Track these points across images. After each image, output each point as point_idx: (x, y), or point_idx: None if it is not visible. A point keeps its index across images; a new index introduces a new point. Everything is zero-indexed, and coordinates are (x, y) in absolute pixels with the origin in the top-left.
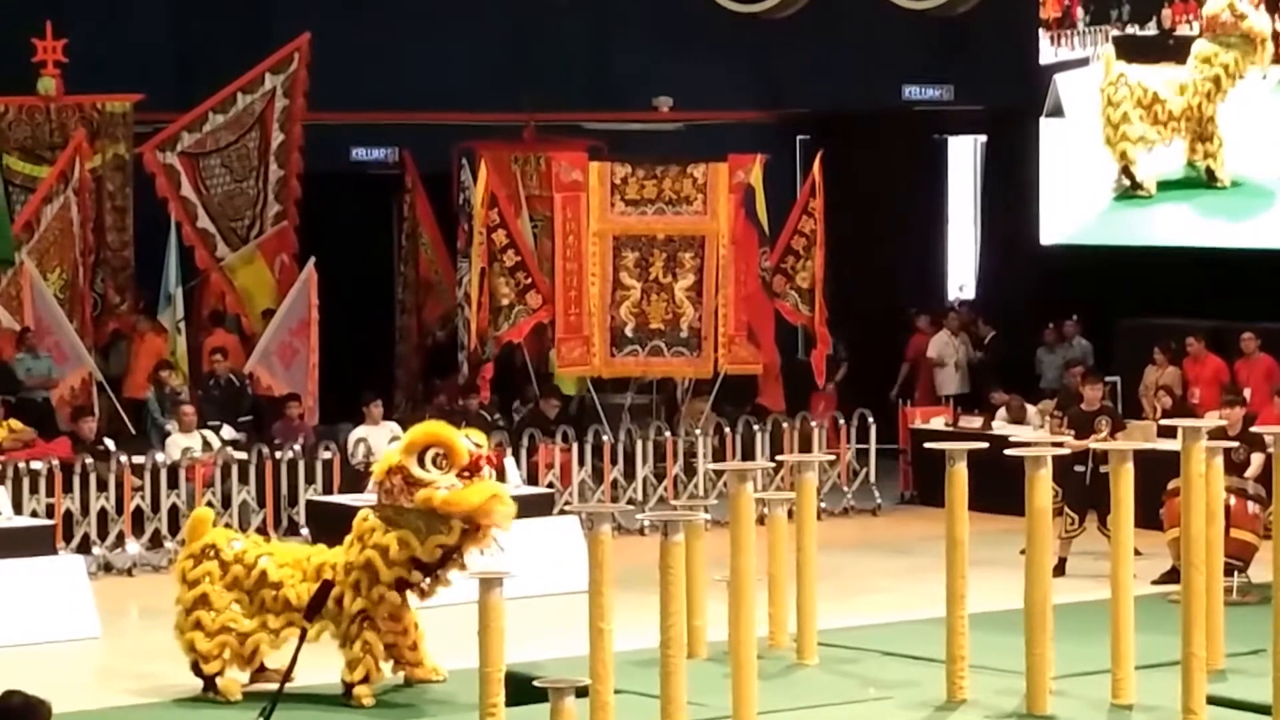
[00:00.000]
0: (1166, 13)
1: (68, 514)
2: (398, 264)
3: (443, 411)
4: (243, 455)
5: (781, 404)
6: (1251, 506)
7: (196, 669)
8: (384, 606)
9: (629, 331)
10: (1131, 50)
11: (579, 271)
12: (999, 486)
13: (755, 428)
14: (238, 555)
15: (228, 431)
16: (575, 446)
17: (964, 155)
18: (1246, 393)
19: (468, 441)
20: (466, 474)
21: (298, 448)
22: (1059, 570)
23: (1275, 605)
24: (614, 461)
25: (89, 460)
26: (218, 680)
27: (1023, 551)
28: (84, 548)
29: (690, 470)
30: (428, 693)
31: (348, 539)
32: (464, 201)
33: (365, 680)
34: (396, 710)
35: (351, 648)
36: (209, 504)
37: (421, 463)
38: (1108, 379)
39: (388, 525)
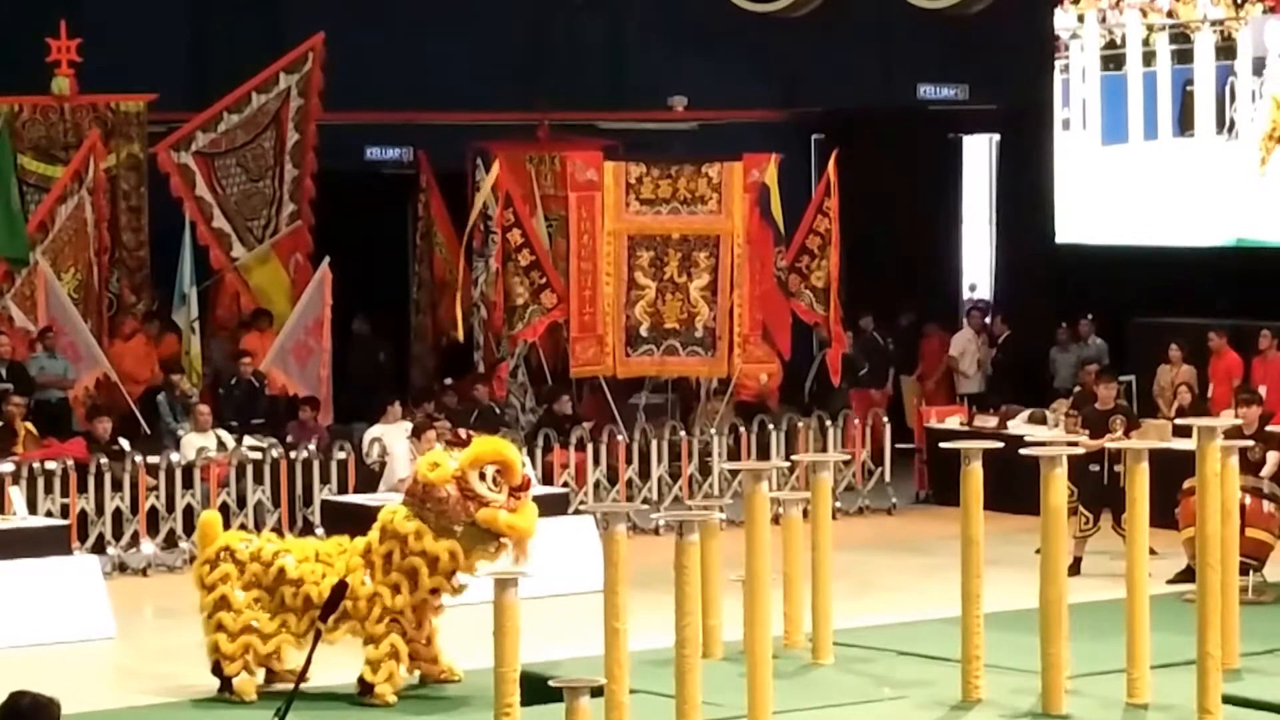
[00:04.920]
0: None
1: (83, 514)
2: (412, 264)
3: (453, 410)
4: (258, 455)
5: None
6: (1267, 506)
7: (217, 669)
8: (417, 613)
9: (644, 331)
10: None
11: (594, 271)
12: (1014, 486)
13: (770, 427)
14: (254, 554)
15: (249, 440)
16: (590, 446)
17: (979, 154)
18: (1262, 390)
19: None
20: (518, 493)
21: (312, 447)
22: (1074, 569)
23: None
24: (629, 461)
25: (104, 460)
26: (234, 681)
27: (1038, 551)
28: (99, 548)
29: (705, 470)
30: (443, 692)
31: (371, 535)
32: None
33: (388, 680)
34: (413, 710)
35: (377, 648)
36: (224, 504)
37: (482, 478)
38: (1122, 378)
39: (436, 533)
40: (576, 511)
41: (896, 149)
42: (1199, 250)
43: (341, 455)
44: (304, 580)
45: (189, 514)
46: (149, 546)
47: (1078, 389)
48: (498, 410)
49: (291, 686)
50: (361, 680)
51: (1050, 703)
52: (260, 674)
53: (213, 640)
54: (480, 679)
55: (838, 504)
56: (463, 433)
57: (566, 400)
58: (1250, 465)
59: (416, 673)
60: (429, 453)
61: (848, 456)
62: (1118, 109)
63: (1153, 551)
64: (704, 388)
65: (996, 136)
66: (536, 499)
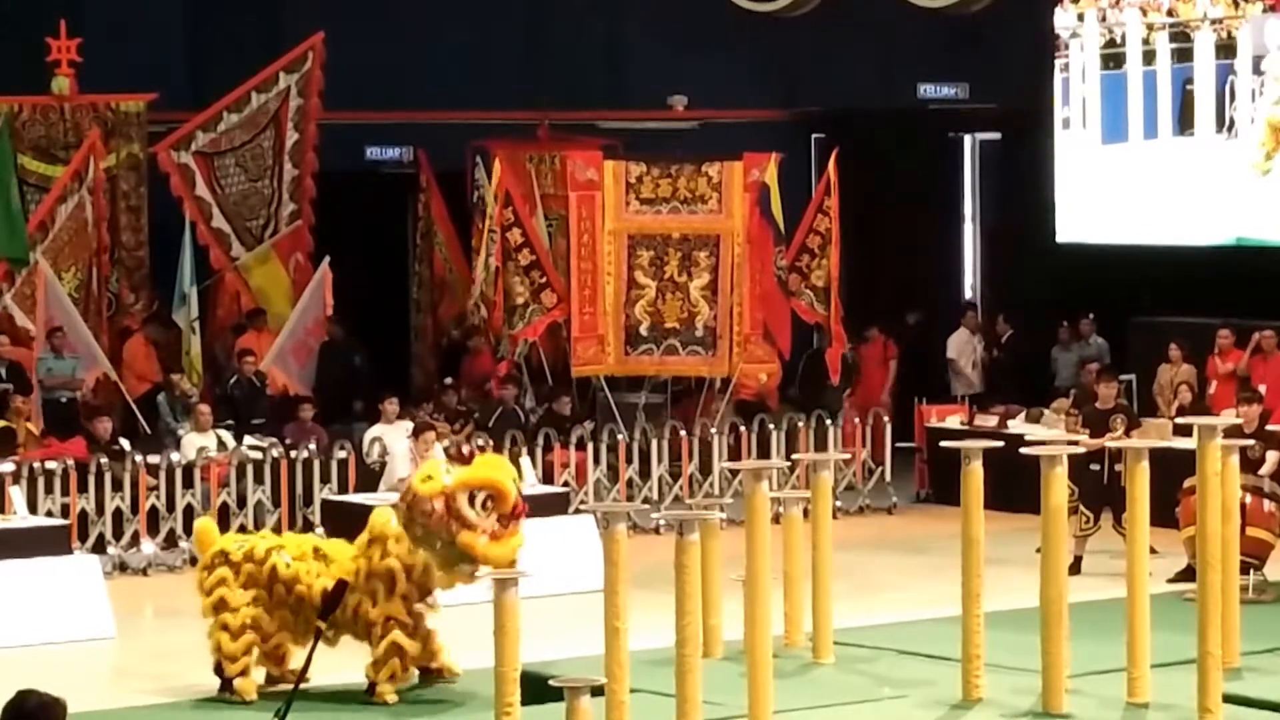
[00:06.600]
0: None
1: (83, 514)
2: (412, 263)
3: (457, 411)
4: (258, 455)
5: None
6: (1267, 505)
7: (219, 669)
8: (396, 620)
9: (644, 330)
10: None
11: (594, 270)
12: (1015, 485)
13: (770, 427)
14: (247, 554)
15: (249, 440)
16: (590, 445)
17: (979, 153)
18: (1262, 390)
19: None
20: (506, 520)
21: (313, 447)
22: (1075, 569)
23: None
24: (629, 460)
25: (104, 460)
26: (235, 681)
27: (1038, 550)
28: (99, 547)
29: (706, 469)
30: (443, 692)
31: (362, 538)
32: (478, 200)
33: (391, 679)
34: (413, 710)
35: (379, 647)
36: (224, 504)
37: (471, 501)
38: (1123, 377)
39: (416, 544)
40: (577, 511)
41: (896, 149)
42: (1199, 249)
43: (341, 455)
44: (298, 579)
45: (189, 514)
46: (149, 546)
47: (1074, 389)
48: (520, 415)
49: (291, 686)
50: (367, 677)
51: (1051, 702)
52: (261, 674)
53: (216, 640)
54: (480, 679)
55: (838, 503)
56: (465, 450)
57: (566, 400)
58: (1250, 464)
59: (416, 671)
60: (426, 464)
61: (848, 456)
62: (1118, 108)
63: (1153, 550)
64: (706, 387)
65: (993, 135)
66: (537, 498)
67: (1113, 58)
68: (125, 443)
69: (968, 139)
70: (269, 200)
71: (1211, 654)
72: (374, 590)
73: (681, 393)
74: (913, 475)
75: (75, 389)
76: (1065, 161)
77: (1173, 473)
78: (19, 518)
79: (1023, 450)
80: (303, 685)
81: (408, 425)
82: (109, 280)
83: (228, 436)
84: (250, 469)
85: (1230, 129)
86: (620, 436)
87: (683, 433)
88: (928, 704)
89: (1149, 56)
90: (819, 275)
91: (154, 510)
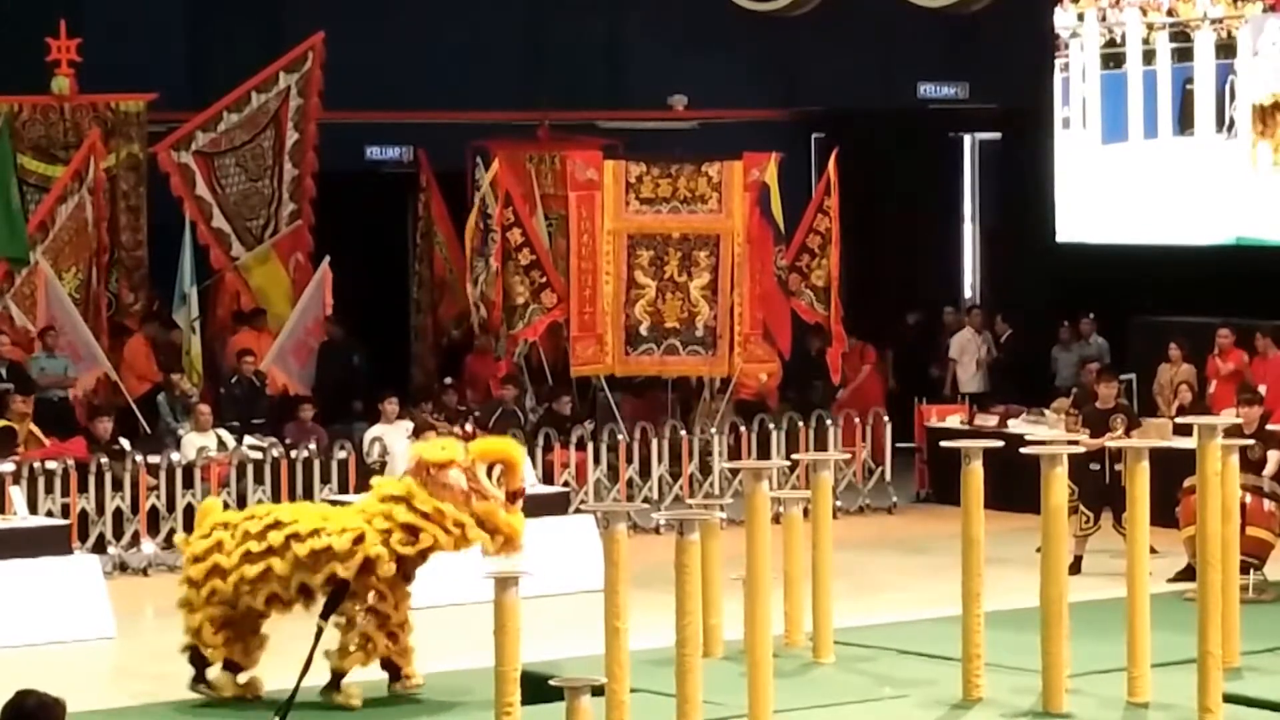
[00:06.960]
0: None
1: (83, 514)
2: (412, 263)
3: (457, 410)
4: (258, 455)
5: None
6: (1267, 504)
7: (194, 655)
8: (395, 592)
9: (644, 330)
10: None
11: (593, 270)
12: (1015, 485)
13: (770, 426)
14: (247, 515)
15: (250, 440)
16: (590, 445)
17: (979, 153)
18: (1262, 390)
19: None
20: (512, 498)
21: (313, 447)
22: (1075, 568)
23: None
24: (629, 460)
25: (104, 460)
26: (209, 674)
27: (1038, 550)
28: (99, 547)
29: (706, 469)
30: (444, 691)
31: (371, 498)
32: (480, 199)
33: (364, 660)
34: (415, 709)
35: (348, 633)
36: (224, 504)
37: (489, 473)
38: (1123, 377)
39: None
40: (577, 511)
41: (896, 149)
42: (1199, 249)
43: (341, 455)
44: (297, 520)
45: (189, 514)
46: (149, 546)
47: (1074, 389)
48: (520, 415)
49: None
50: (331, 667)
51: (1051, 701)
52: (244, 675)
53: (193, 623)
54: (480, 679)
55: (838, 503)
56: (468, 427)
57: (566, 400)
58: (1250, 464)
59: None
60: (434, 440)
61: (848, 456)
62: (1118, 107)
63: (1153, 550)
64: (708, 387)
65: (993, 135)
66: (537, 498)
67: (1113, 57)
68: (125, 443)
69: (968, 139)
70: (269, 200)
71: (1211, 654)
72: (388, 529)
73: (643, 386)
74: (913, 475)
75: (68, 387)
76: (1065, 161)
77: (1173, 473)
78: (19, 518)
79: (1023, 450)
80: (302, 687)
81: (408, 425)
82: (109, 280)
83: (228, 436)
84: (250, 469)
85: (1230, 129)
86: (620, 436)
87: (683, 432)
88: (928, 704)
89: (1149, 56)
90: (819, 275)
91: (154, 510)
